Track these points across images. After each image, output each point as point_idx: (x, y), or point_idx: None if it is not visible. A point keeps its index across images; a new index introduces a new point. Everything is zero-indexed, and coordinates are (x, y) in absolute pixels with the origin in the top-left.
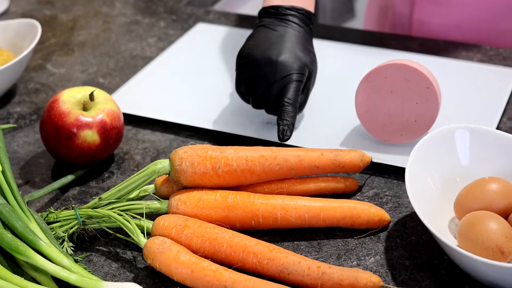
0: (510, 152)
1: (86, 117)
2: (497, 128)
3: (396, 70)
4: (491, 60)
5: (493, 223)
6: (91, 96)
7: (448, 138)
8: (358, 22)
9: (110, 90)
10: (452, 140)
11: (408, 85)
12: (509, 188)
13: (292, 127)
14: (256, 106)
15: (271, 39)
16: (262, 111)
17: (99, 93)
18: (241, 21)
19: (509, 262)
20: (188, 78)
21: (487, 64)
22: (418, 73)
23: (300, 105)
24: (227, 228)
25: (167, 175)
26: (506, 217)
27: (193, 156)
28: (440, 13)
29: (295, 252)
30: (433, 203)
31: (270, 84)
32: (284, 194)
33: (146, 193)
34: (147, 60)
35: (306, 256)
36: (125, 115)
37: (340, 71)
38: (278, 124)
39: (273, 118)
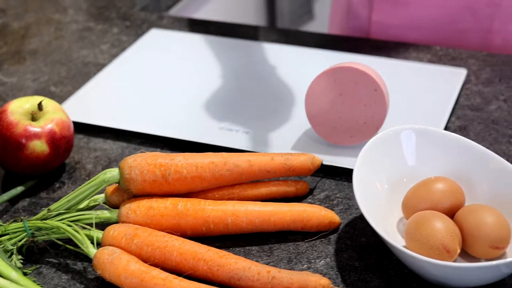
0: (455, 151)
1: (34, 127)
2: (446, 127)
3: (344, 73)
4: (441, 60)
5: (439, 222)
6: (40, 106)
7: (394, 139)
8: (317, 24)
9: (62, 98)
10: (398, 141)
11: (356, 88)
12: (454, 187)
13: None
14: None
15: None
16: (217, 117)
17: (48, 103)
18: (196, 26)
19: (455, 260)
20: (141, 84)
21: (436, 65)
22: (365, 75)
23: None
24: (178, 235)
25: (117, 184)
26: (452, 216)
27: (143, 164)
28: (397, 14)
29: (246, 257)
30: (381, 204)
31: None
32: (235, 200)
33: (96, 202)
34: (99, 67)
35: (257, 261)
36: (76, 123)
37: (292, 74)
38: None
39: (226, 123)
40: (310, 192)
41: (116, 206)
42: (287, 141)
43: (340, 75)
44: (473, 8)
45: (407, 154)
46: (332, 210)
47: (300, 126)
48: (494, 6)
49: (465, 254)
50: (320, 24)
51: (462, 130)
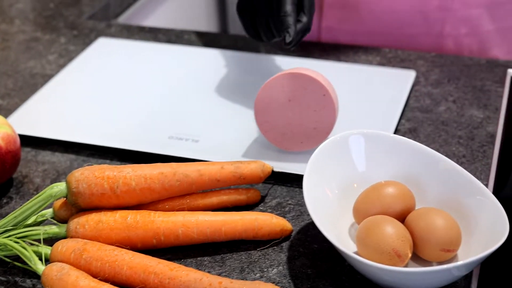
0: (404, 155)
1: None
2: (396, 130)
3: (293, 79)
4: (390, 62)
5: (389, 227)
6: None
7: (343, 144)
8: None
9: (9, 111)
10: (347, 147)
11: (305, 93)
12: (405, 191)
13: (293, 31)
14: (270, 38)
15: None
16: (166, 126)
17: None
18: (145, 33)
19: (406, 264)
20: (89, 95)
21: (386, 67)
22: (313, 81)
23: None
24: (128, 249)
25: (65, 198)
26: (403, 219)
27: (90, 177)
28: (347, 20)
29: (198, 268)
30: (332, 210)
31: (267, 8)
32: (186, 210)
33: (44, 218)
34: (47, 78)
35: (209, 271)
36: (24, 136)
37: (242, 81)
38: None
39: (176, 132)
40: (262, 199)
41: (64, 221)
42: (238, 149)
43: (288, 81)
44: (424, 12)
45: (356, 159)
46: (284, 217)
47: (250, 133)
48: (445, 10)
49: (417, 257)
50: None
51: (412, 132)
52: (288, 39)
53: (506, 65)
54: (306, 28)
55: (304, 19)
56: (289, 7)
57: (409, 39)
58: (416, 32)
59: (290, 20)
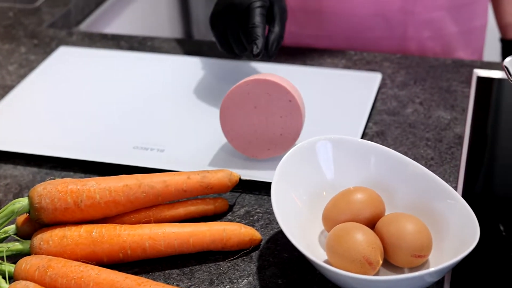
0: (372, 160)
1: None
2: (364, 133)
3: (258, 85)
4: (356, 65)
5: (359, 234)
6: None
7: (310, 151)
8: None
9: None
10: (314, 153)
11: (270, 100)
12: (374, 197)
13: (260, 42)
14: (241, 50)
15: None
16: (131, 136)
17: None
18: (107, 41)
19: (377, 272)
20: (51, 105)
21: (351, 70)
22: (278, 86)
23: (277, 35)
24: (94, 264)
25: (28, 214)
26: (373, 225)
27: (53, 192)
28: (310, 24)
29: (166, 282)
30: (301, 218)
31: (237, 21)
32: (152, 222)
33: (7, 234)
34: (7, 89)
35: (178, 285)
36: None
37: (207, 88)
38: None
39: (141, 142)
40: (230, 208)
41: (28, 237)
42: (204, 158)
43: (253, 87)
44: (385, 16)
45: (324, 165)
46: (253, 226)
47: (217, 141)
48: (407, 14)
49: (388, 264)
50: None
51: (380, 136)
52: (256, 50)
53: (472, 65)
54: (279, 37)
55: (276, 28)
56: (257, 19)
57: (372, 42)
58: (379, 35)
59: (258, 31)
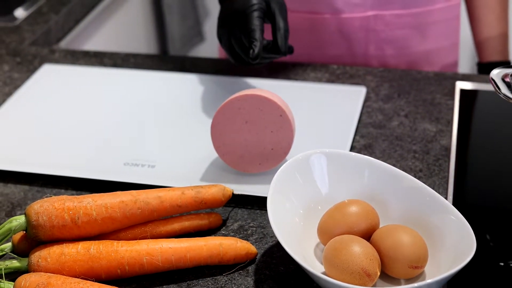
0: (363, 172)
1: None
2: (352, 147)
3: (248, 100)
4: (339, 79)
5: (356, 246)
6: None
7: (305, 164)
8: (209, 46)
9: None
10: (309, 166)
11: (261, 115)
12: (368, 209)
13: (257, 46)
14: (248, 56)
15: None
16: (121, 152)
17: None
18: (90, 58)
19: (375, 283)
20: (38, 123)
21: (336, 84)
22: (269, 102)
23: (279, 34)
24: (93, 281)
25: (25, 232)
26: (368, 237)
27: (50, 209)
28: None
29: None
30: (297, 231)
31: (239, 29)
32: (149, 238)
33: (4, 252)
34: None
35: None
36: None
37: (195, 103)
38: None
39: (131, 158)
40: (223, 223)
41: (25, 254)
42: (195, 173)
43: (244, 103)
44: (345, 33)
45: (318, 179)
46: (247, 240)
47: (208, 156)
48: (368, 31)
49: (385, 275)
50: (211, 46)
51: (367, 149)
52: (252, 54)
53: (454, 77)
54: (285, 31)
55: (280, 24)
56: (254, 22)
57: (334, 59)
58: (340, 53)
59: (255, 34)
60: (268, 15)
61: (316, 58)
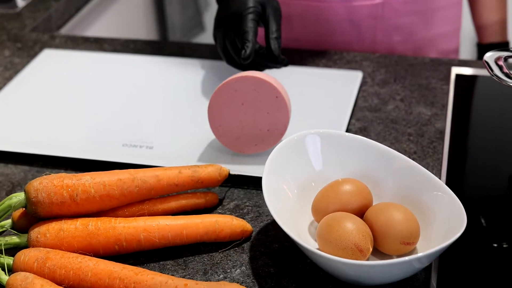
0: (358, 152)
1: None
2: (347, 130)
3: (245, 82)
4: (336, 64)
5: (349, 223)
6: None
7: (300, 144)
8: (209, 36)
9: None
10: (304, 146)
11: (257, 96)
12: (361, 188)
13: (249, 47)
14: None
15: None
16: (119, 134)
17: None
18: (90, 44)
19: (367, 259)
20: (38, 106)
21: (333, 69)
22: (266, 83)
23: (272, 36)
24: (91, 255)
25: (24, 208)
26: (361, 215)
27: (49, 186)
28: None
29: (161, 272)
30: (291, 209)
31: (233, 31)
32: (146, 215)
33: (4, 228)
34: None
35: (173, 275)
36: None
37: (192, 87)
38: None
39: (129, 139)
40: (220, 202)
41: (24, 230)
42: (193, 154)
43: (240, 84)
44: (355, 21)
45: (313, 158)
46: (243, 218)
47: (205, 138)
48: (376, 18)
49: (377, 252)
50: (211, 36)
51: (363, 131)
52: (244, 54)
53: (450, 63)
54: (276, 37)
55: (273, 27)
56: (248, 24)
57: (341, 47)
58: (348, 40)
59: (248, 36)
60: (263, 19)
61: (324, 45)
